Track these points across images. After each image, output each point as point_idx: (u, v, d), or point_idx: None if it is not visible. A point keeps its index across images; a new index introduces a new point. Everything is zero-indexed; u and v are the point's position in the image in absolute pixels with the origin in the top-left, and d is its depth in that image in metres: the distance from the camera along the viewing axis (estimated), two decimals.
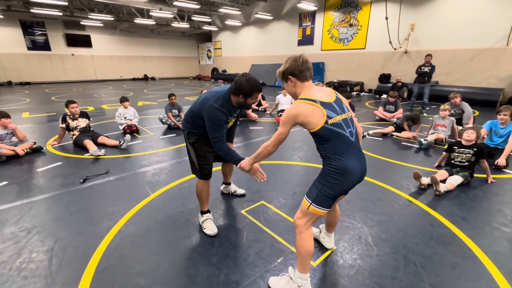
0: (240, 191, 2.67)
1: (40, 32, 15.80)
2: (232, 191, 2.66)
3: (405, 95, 9.25)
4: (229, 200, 2.60)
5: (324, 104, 1.30)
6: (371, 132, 4.90)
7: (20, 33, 15.24)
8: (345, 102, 1.43)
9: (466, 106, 4.96)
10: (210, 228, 2.06)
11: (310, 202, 1.39)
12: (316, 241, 1.97)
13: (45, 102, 9.11)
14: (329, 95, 1.38)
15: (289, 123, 1.34)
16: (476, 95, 8.09)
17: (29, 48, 15.68)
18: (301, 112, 1.30)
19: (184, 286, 1.58)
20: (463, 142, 2.98)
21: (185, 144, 2.15)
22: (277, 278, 1.59)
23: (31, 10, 12.60)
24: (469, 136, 2.91)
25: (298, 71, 1.36)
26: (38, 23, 15.59)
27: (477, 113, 6.72)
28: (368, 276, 1.66)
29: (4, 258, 1.81)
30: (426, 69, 7.12)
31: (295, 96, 1.43)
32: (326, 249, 1.90)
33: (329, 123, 1.28)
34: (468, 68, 8.97)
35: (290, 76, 1.39)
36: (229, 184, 2.67)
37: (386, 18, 10.15)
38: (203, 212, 2.15)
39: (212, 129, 1.82)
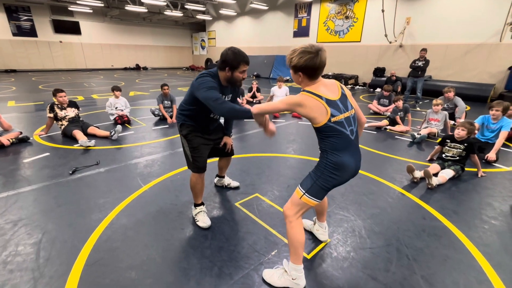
0: (234, 183, 2.64)
1: (25, 17, 15.14)
2: (226, 184, 2.63)
3: (399, 89, 9.28)
4: (223, 193, 2.57)
5: (329, 102, 1.29)
6: (365, 125, 4.90)
7: (5, 18, 14.57)
8: (350, 97, 1.40)
9: (459, 101, 5.01)
10: (203, 220, 2.03)
11: (304, 192, 1.40)
12: (311, 233, 1.97)
13: (32, 91, 8.80)
14: (334, 91, 1.35)
15: (289, 105, 1.31)
16: (468, 90, 8.19)
17: (14, 34, 15.03)
18: (305, 104, 1.27)
19: (176, 280, 1.56)
20: (455, 137, 3.01)
21: (178, 135, 2.10)
22: (271, 271, 1.58)
23: None
24: (459, 133, 2.94)
25: (312, 70, 1.27)
26: (24, 8, 14.92)
27: (468, 108, 6.81)
28: (361, 269, 1.67)
29: None
30: (420, 63, 7.15)
31: (299, 85, 1.39)
32: (320, 242, 1.90)
33: (332, 121, 1.29)
34: (461, 63, 9.05)
35: (300, 72, 1.30)
36: (223, 177, 2.63)
37: (383, 11, 10.08)
38: (196, 205, 2.11)
39: (206, 95, 1.64)
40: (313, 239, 1.93)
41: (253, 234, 1.97)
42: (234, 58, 1.69)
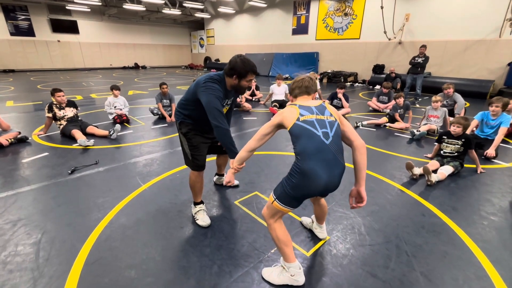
0: (234, 182, 2.63)
1: (23, 17, 15.05)
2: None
3: (399, 86, 9.28)
4: (223, 191, 2.57)
5: (302, 106, 1.38)
6: (365, 122, 4.91)
7: (2, 18, 14.48)
8: (333, 111, 1.40)
9: (459, 97, 5.00)
10: (203, 219, 2.03)
11: (274, 198, 1.42)
12: (310, 231, 1.97)
13: (30, 91, 8.78)
14: (312, 102, 1.43)
15: (275, 122, 1.44)
16: (468, 86, 8.18)
17: (12, 34, 14.95)
18: (285, 112, 1.40)
19: (176, 278, 1.56)
20: (452, 133, 3.00)
21: (177, 134, 2.09)
22: (270, 269, 1.58)
23: None
24: (455, 130, 2.93)
25: (291, 89, 1.56)
26: (21, 7, 14.82)
27: (468, 104, 6.80)
28: (360, 266, 1.67)
29: None
30: (420, 60, 7.14)
31: None
32: (319, 239, 1.90)
33: (300, 120, 1.32)
34: (460, 59, 9.03)
35: (288, 94, 1.65)
36: (223, 175, 2.63)
37: (382, 7, 10.04)
38: (196, 203, 2.11)
39: (210, 104, 1.69)
40: (312, 236, 1.93)
41: (252, 232, 1.97)
42: (242, 67, 1.71)
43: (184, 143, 1.98)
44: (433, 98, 4.40)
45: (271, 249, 1.79)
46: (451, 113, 5.07)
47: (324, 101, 1.47)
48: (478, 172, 2.98)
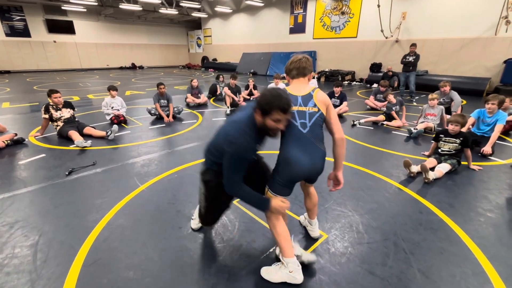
0: (311, 257, 1.66)
1: (18, 17, 14.92)
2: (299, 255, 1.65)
3: (396, 84, 9.31)
4: None
5: (290, 95, 1.42)
6: (362, 121, 4.92)
7: None
8: (319, 101, 1.46)
9: (455, 95, 5.03)
10: (198, 225, 1.97)
11: (267, 188, 1.51)
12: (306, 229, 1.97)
13: (27, 92, 8.71)
14: (303, 89, 1.49)
15: None
16: (464, 84, 8.23)
17: (7, 35, 14.83)
18: None
19: (174, 278, 1.56)
20: (450, 131, 3.02)
21: (175, 135, 2.05)
22: (268, 268, 1.58)
23: None
24: (453, 129, 2.95)
25: (288, 70, 1.60)
26: (16, 8, 14.70)
27: (464, 102, 6.84)
28: (359, 264, 1.68)
29: None
30: (411, 58, 7.22)
31: None
32: (317, 238, 1.90)
33: None
34: (457, 57, 9.07)
35: (284, 74, 1.67)
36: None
37: (378, 6, 10.06)
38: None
39: (230, 169, 1.37)
40: (308, 235, 1.93)
41: (251, 232, 1.97)
42: (267, 101, 1.28)
43: (201, 191, 1.62)
44: (430, 96, 4.42)
45: (270, 248, 1.80)
46: (448, 110, 5.10)
47: (316, 89, 1.52)
48: (470, 167, 3.02)
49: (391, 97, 4.88)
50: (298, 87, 1.52)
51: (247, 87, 7.35)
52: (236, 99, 6.07)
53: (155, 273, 1.59)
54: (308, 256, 1.63)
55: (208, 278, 1.55)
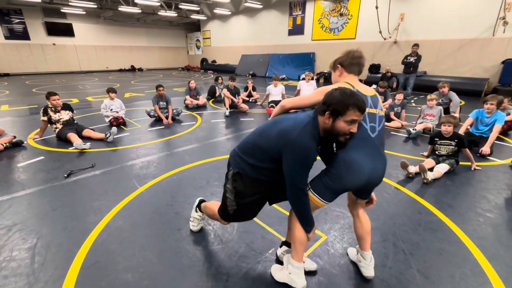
0: (312, 265, 1.63)
1: (17, 20, 14.95)
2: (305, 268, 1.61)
3: (395, 85, 9.34)
4: (221, 193, 2.56)
5: (360, 93, 1.29)
6: None
7: None
8: (381, 103, 1.43)
9: (454, 96, 5.04)
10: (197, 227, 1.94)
11: (309, 186, 1.33)
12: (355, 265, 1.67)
13: (25, 94, 8.71)
14: (369, 90, 1.39)
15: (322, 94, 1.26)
16: (462, 85, 8.25)
17: (6, 37, 14.84)
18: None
19: (173, 281, 1.55)
20: (444, 134, 3.02)
21: (175, 136, 2.04)
22: (277, 265, 1.59)
23: None
24: (446, 129, 2.96)
25: (348, 63, 1.42)
26: (15, 11, 14.73)
27: (463, 102, 6.86)
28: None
29: None
30: (412, 59, 7.13)
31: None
32: (316, 240, 1.89)
33: None
34: (455, 58, 9.11)
35: (338, 65, 1.44)
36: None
37: (377, 8, 10.10)
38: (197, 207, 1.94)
39: (295, 170, 1.23)
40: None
41: (250, 233, 1.97)
42: (341, 100, 1.15)
43: (231, 197, 1.48)
44: (428, 97, 4.43)
45: (269, 250, 1.79)
46: (447, 111, 5.11)
47: (375, 92, 1.43)
48: (472, 169, 3.01)
49: (400, 96, 4.90)
50: (358, 84, 1.36)
51: (246, 88, 7.36)
52: (235, 100, 6.08)
53: (154, 275, 1.58)
54: (309, 264, 1.60)
55: (206, 280, 1.55)
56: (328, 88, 1.29)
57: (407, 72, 7.27)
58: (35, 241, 1.87)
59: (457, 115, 5.08)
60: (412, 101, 7.32)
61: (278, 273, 1.53)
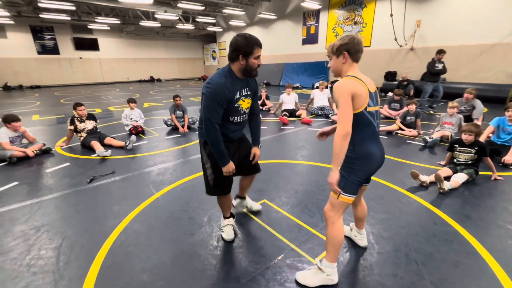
0: (256, 206, 2.33)
1: (49, 37, 16.19)
2: (248, 207, 2.34)
3: (412, 92, 9.12)
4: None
5: (369, 92, 1.36)
6: None
7: (30, 38, 15.65)
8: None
9: (478, 103, 4.86)
10: (228, 233, 1.98)
11: (340, 191, 1.42)
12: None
13: (54, 105, 9.34)
14: (372, 86, 1.43)
15: (348, 94, 1.28)
16: (485, 91, 7.90)
17: (39, 53, 16.08)
18: (356, 85, 1.31)
19: (185, 282, 1.62)
20: (464, 141, 2.93)
21: (190, 144, 2.14)
22: (303, 273, 1.61)
23: (40, 15, 12.90)
24: (467, 138, 2.86)
25: (354, 50, 1.37)
26: (48, 28, 15.97)
27: (485, 110, 6.56)
28: (369, 274, 1.66)
29: (15, 255, 1.88)
30: (440, 66, 6.44)
31: (338, 74, 1.45)
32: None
33: (367, 110, 1.36)
34: (476, 64, 8.79)
35: (345, 52, 1.37)
36: (244, 198, 2.31)
37: (391, 15, 10.03)
38: (224, 217, 2.04)
39: (205, 107, 1.55)
40: (319, 244, 1.94)
41: (260, 239, 2.00)
42: (246, 44, 1.50)
43: (208, 165, 1.77)
44: (450, 104, 4.26)
45: (278, 256, 1.82)
46: (468, 119, 4.93)
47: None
48: (493, 178, 2.88)
49: (412, 106, 4.77)
50: (366, 79, 1.40)
51: (259, 97, 7.48)
52: None
53: (167, 277, 1.66)
54: (254, 205, 2.19)
55: (217, 283, 1.60)
56: (344, 83, 1.32)
57: (436, 80, 6.56)
58: (60, 241, 2.01)
59: (479, 123, 4.89)
60: (431, 110, 7.08)
61: (312, 278, 1.55)
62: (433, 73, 6.48)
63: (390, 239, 1.98)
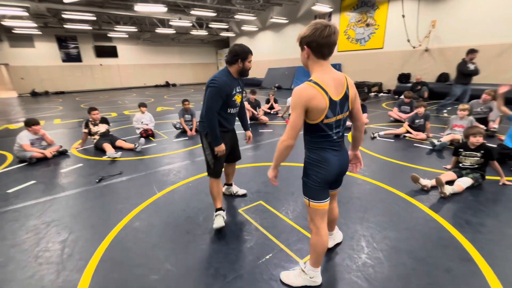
0: (242, 191, 2.76)
1: (73, 46, 17.20)
2: (234, 192, 2.75)
3: (426, 95, 8.84)
4: (230, 199, 2.70)
5: (331, 102, 1.22)
6: (382, 133, 4.77)
7: (56, 47, 16.69)
8: (353, 98, 1.33)
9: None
10: (217, 222, 2.14)
11: (309, 200, 1.43)
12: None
13: (75, 110, 9.88)
14: (339, 89, 1.25)
15: (301, 107, 1.20)
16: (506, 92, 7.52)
17: (63, 60, 17.10)
18: (313, 97, 1.18)
19: (177, 277, 1.70)
20: (470, 145, 2.83)
21: (198, 146, 2.30)
22: (288, 272, 1.66)
23: (65, 26, 13.76)
24: (478, 141, 2.76)
25: (316, 44, 1.16)
26: (72, 37, 16.98)
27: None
28: (366, 280, 1.66)
29: (26, 247, 2.04)
30: (472, 67, 5.86)
31: (306, 68, 1.31)
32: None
33: (324, 122, 1.26)
34: (495, 64, 8.38)
35: (305, 46, 1.21)
36: (231, 185, 2.76)
37: (403, 16, 9.81)
38: (216, 209, 2.24)
39: (209, 98, 2.00)
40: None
41: (252, 239, 2.06)
42: (243, 51, 2.03)
43: (208, 151, 2.18)
44: (461, 106, 4.10)
45: (267, 255, 1.86)
46: (483, 121, 4.73)
47: (347, 79, 1.30)
48: (501, 183, 2.76)
49: (421, 110, 4.61)
50: (334, 83, 1.23)
51: (267, 101, 7.55)
52: (255, 113, 6.28)
53: (161, 272, 1.75)
54: (239, 190, 2.66)
55: (205, 279, 1.67)
56: (299, 91, 1.22)
57: (467, 82, 6.01)
58: (67, 235, 2.17)
59: (496, 125, 4.68)
60: (444, 111, 6.84)
61: (296, 279, 1.59)
62: (466, 74, 5.90)
63: (382, 242, 1.97)
